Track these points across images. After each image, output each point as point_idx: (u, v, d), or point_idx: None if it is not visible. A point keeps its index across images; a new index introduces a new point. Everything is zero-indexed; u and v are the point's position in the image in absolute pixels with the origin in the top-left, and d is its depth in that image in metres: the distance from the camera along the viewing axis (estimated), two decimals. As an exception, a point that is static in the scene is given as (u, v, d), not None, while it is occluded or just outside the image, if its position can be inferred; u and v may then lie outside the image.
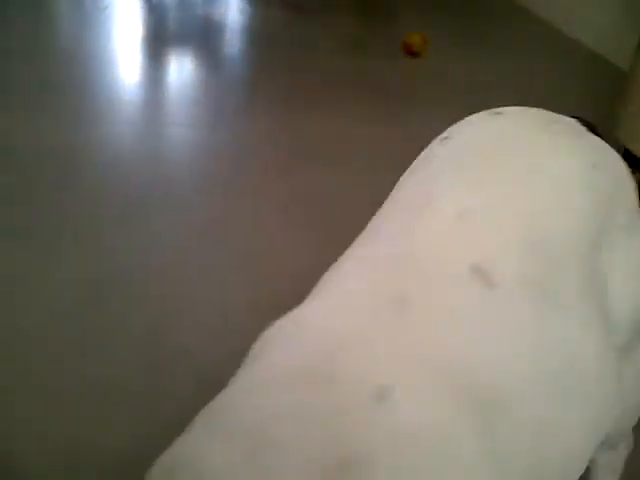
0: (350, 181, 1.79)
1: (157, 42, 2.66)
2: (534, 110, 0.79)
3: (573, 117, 0.81)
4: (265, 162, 1.86)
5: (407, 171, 0.76)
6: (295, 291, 1.14)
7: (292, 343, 0.58)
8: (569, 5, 3.07)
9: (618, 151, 0.83)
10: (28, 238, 1.49)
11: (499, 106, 0.78)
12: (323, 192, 1.73)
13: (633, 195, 0.77)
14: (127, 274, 1.40)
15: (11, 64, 2.34)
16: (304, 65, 2.49)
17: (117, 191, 1.66)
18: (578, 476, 0.63)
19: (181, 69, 2.42)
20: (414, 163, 0.76)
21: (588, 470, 1.00)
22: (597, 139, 0.78)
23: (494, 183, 0.67)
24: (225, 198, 1.68)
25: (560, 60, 2.79)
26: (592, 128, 0.80)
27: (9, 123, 1.94)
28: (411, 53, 2.50)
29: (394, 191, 0.74)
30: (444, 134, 0.78)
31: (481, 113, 0.79)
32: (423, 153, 0.77)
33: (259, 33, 2.89)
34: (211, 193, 1.70)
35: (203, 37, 2.76)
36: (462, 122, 0.79)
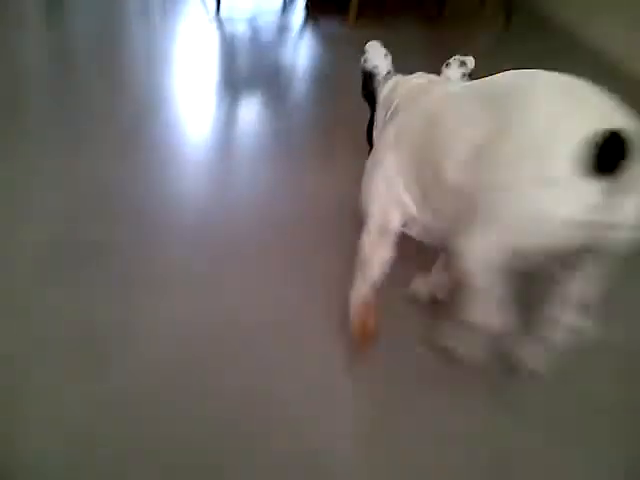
0: None
1: (229, 87, 2.73)
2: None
3: None
4: (339, 218, 1.83)
5: None
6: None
7: None
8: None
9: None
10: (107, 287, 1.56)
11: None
12: None
13: None
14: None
15: (91, 114, 2.45)
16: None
17: (198, 242, 1.70)
18: None
19: (251, 115, 2.48)
20: None
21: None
22: None
23: None
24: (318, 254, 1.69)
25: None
26: None
27: (91, 169, 2.03)
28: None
29: None
30: None
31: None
32: None
33: (330, 76, 2.93)
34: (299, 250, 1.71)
35: (274, 82, 2.81)
36: None
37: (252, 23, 3.68)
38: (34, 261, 1.59)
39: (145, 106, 2.49)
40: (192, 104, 2.52)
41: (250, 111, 2.49)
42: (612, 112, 1.02)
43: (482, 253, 1.11)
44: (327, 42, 3.43)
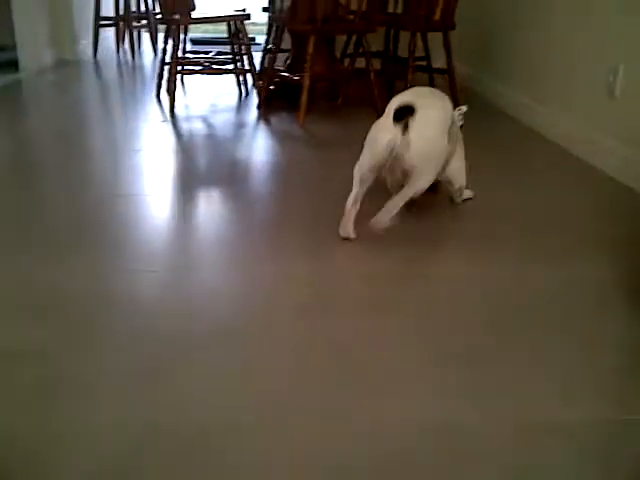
0: (381, 326, 1.76)
1: (186, 183, 2.81)
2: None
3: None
4: (289, 305, 1.85)
5: None
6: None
7: None
8: (591, 136, 3.28)
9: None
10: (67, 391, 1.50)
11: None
12: (346, 339, 1.70)
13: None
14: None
15: (47, 208, 2.50)
16: (330, 201, 2.50)
17: (144, 340, 1.67)
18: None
19: (209, 210, 2.53)
20: None
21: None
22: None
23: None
24: (259, 342, 1.68)
25: (585, 188, 2.87)
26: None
27: (42, 267, 2.02)
28: None
29: None
30: None
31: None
32: None
33: (285, 170, 3.04)
34: (241, 335, 1.71)
35: (229, 177, 2.90)
36: None
37: (207, 121, 3.83)
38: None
39: (102, 200, 2.55)
40: (149, 200, 2.59)
41: (206, 206, 2.57)
42: (413, 96, 2.19)
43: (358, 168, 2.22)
44: (279, 138, 3.58)
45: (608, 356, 1.64)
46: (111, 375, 1.53)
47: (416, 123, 2.08)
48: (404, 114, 2.07)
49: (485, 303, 1.88)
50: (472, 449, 1.31)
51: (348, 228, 2.22)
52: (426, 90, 2.40)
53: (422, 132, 2.09)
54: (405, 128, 2.07)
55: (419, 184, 2.16)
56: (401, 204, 2.15)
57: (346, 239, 2.22)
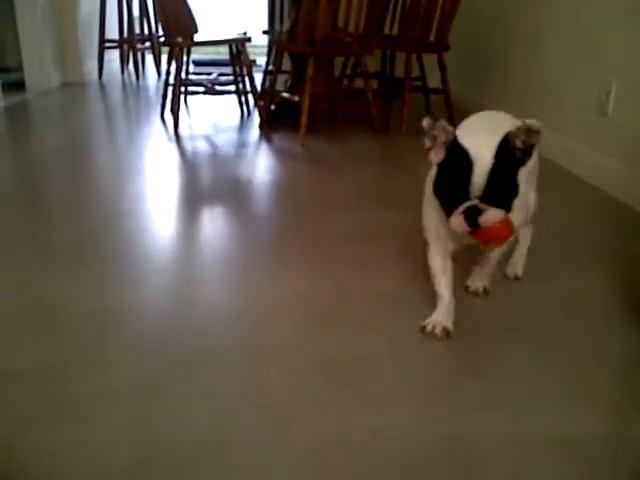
0: (383, 342, 1.77)
1: (190, 201, 2.90)
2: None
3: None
4: (295, 322, 1.87)
5: None
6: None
7: None
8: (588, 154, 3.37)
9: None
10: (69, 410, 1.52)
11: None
12: (355, 354, 1.70)
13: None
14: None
15: (51, 226, 2.57)
16: (331, 219, 2.63)
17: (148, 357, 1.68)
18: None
19: (212, 227, 2.60)
20: None
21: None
22: None
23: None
24: (254, 360, 1.69)
25: (578, 203, 2.92)
26: None
27: (44, 284, 2.05)
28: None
29: None
30: None
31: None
32: None
33: (286, 188, 3.14)
34: (241, 353, 1.71)
35: (232, 194, 2.97)
36: None
37: (210, 140, 3.95)
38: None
39: (106, 218, 2.62)
40: (153, 216, 2.67)
41: (210, 223, 2.66)
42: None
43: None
44: (281, 157, 3.70)
45: (605, 370, 1.65)
46: (112, 393, 1.52)
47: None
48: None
49: (484, 316, 1.93)
50: (473, 463, 1.33)
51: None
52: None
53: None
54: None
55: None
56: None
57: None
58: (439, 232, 1.73)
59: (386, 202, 2.87)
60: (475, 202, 1.49)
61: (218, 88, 4.45)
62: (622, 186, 2.94)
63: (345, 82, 4.71)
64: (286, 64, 4.47)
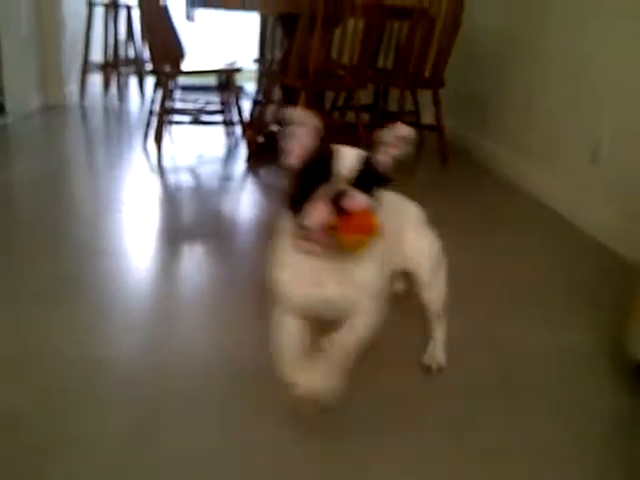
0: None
1: (171, 237, 2.76)
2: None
3: None
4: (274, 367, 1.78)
5: None
6: None
7: None
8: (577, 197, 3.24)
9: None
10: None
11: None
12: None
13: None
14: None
15: (34, 260, 2.43)
16: None
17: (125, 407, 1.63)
18: None
19: (192, 265, 2.49)
20: None
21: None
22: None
23: None
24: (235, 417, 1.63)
25: (569, 250, 2.87)
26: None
27: (18, 328, 1.96)
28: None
29: None
30: None
31: None
32: None
33: (269, 225, 2.98)
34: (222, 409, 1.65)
35: (215, 230, 2.85)
36: None
37: (194, 172, 3.78)
38: None
39: (86, 254, 2.48)
40: (131, 256, 2.52)
41: (190, 262, 2.52)
42: None
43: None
44: (267, 192, 3.54)
45: (589, 423, 1.66)
46: (89, 440, 1.48)
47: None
48: None
49: (464, 367, 1.84)
50: None
51: None
52: None
53: None
54: None
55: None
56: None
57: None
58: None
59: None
60: (340, 187, 1.26)
61: (204, 118, 4.29)
62: (612, 232, 2.87)
63: (336, 115, 4.57)
64: (276, 94, 4.32)
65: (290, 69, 3.71)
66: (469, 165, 4.21)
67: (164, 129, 3.96)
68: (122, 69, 6.08)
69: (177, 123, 4.24)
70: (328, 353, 1.43)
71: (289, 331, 1.47)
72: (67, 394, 1.65)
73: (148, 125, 4.23)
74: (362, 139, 3.87)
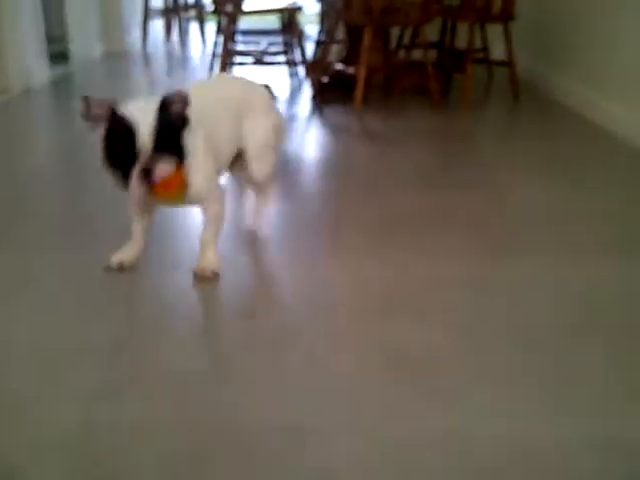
0: (443, 331, 1.64)
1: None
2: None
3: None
4: (353, 307, 1.77)
5: None
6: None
7: None
8: None
9: None
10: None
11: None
12: (416, 342, 1.60)
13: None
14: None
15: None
16: (388, 199, 2.47)
17: None
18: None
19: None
20: None
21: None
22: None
23: None
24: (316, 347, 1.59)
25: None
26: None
27: None
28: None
29: None
30: None
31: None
32: None
33: (340, 165, 2.96)
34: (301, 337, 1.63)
35: (283, 172, 2.78)
36: None
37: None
38: None
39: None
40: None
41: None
42: None
43: None
44: (334, 132, 3.49)
45: None
46: None
47: None
48: None
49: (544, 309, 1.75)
50: (543, 467, 1.22)
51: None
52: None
53: None
54: None
55: None
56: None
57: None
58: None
59: (446, 183, 2.66)
60: (144, 163, 1.56)
61: (267, 59, 4.23)
62: None
63: (402, 53, 4.45)
64: (339, 33, 4.22)
65: (355, 6, 3.61)
66: (541, 102, 4.05)
67: (227, 71, 3.92)
68: (183, 14, 6.05)
69: (240, 64, 4.19)
70: (205, 241, 1.87)
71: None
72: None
73: (211, 68, 4.20)
74: (430, 77, 3.76)
